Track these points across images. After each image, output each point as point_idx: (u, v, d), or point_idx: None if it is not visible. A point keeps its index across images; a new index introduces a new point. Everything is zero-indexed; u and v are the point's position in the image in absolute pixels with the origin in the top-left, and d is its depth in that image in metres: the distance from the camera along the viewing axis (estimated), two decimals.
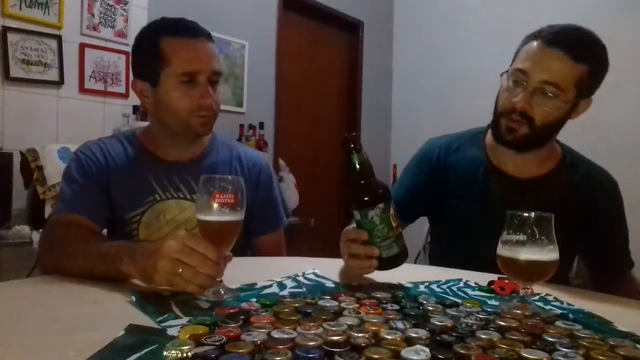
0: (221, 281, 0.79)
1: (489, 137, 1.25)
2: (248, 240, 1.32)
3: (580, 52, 1.04)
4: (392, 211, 0.88)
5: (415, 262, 1.64)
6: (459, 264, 1.12)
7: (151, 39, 1.10)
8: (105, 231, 1.17)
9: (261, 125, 3.41)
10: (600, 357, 0.55)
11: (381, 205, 0.86)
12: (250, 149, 1.37)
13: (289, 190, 3.23)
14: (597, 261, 1.25)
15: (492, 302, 0.83)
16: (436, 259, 1.34)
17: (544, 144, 1.16)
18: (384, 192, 0.88)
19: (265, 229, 1.31)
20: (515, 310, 0.74)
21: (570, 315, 0.76)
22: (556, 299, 0.87)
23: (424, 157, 1.31)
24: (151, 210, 1.15)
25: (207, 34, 1.13)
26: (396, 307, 0.73)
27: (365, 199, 0.87)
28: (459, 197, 1.24)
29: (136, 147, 1.19)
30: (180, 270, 0.73)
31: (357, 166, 0.87)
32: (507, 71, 1.14)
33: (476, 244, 1.17)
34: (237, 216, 0.81)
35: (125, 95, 2.71)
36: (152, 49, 1.09)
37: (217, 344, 0.54)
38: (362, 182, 0.88)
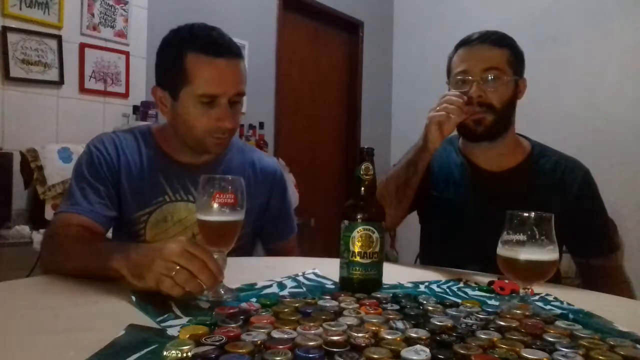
0: (221, 281, 0.79)
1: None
2: (262, 246, 1.33)
3: (499, 40, 1.22)
4: (358, 236, 0.83)
5: (415, 263, 1.64)
6: (445, 260, 1.17)
7: (177, 51, 1.06)
8: (110, 230, 1.17)
9: (261, 125, 3.41)
10: (600, 357, 0.55)
11: (346, 222, 0.85)
12: (265, 156, 1.35)
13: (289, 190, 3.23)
14: (577, 247, 1.27)
15: (492, 302, 0.83)
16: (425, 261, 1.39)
17: (508, 127, 1.24)
18: (360, 214, 0.84)
19: (278, 237, 1.32)
20: (515, 310, 0.74)
21: (570, 315, 0.76)
22: (556, 299, 0.87)
23: None
24: (159, 210, 1.15)
25: (235, 52, 1.08)
26: (396, 307, 0.73)
27: (343, 208, 0.87)
28: (439, 190, 1.31)
29: (151, 146, 1.18)
30: (174, 273, 0.71)
31: (355, 177, 0.87)
32: (448, 82, 1.27)
33: (456, 240, 1.22)
34: (237, 216, 0.81)
35: (125, 95, 2.71)
36: (177, 63, 1.05)
37: (217, 344, 0.54)
38: (354, 192, 0.87)
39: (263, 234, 1.30)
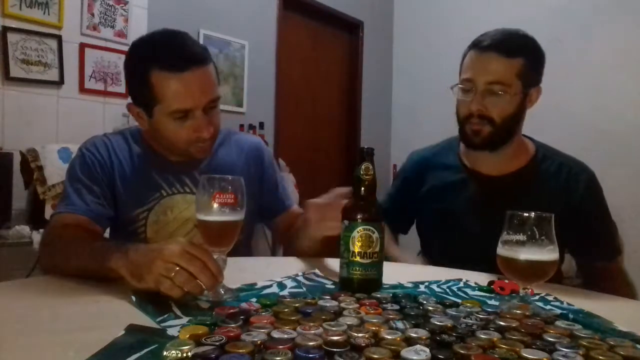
0: (221, 282, 0.79)
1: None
2: (270, 230, 1.35)
3: (510, 49, 1.14)
4: (358, 235, 0.83)
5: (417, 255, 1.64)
6: (447, 263, 1.16)
7: (141, 70, 1.03)
8: (108, 230, 1.17)
9: (261, 125, 3.41)
10: (600, 357, 0.55)
11: (346, 222, 0.85)
12: (244, 134, 1.36)
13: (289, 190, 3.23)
14: (580, 249, 1.27)
15: (492, 302, 0.83)
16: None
17: (512, 138, 1.22)
18: (360, 213, 0.84)
19: (280, 209, 1.30)
20: (515, 310, 0.74)
21: (570, 315, 0.76)
22: (556, 299, 0.87)
23: (407, 173, 1.40)
24: (158, 206, 1.15)
25: (199, 60, 1.03)
26: (396, 307, 0.73)
27: (344, 207, 0.87)
28: (439, 201, 1.29)
29: (141, 145, 1.18)
30: (174, 274, 0.72)
31: (354, 177, 0.87)
32: (456, 84, 1.22)
33: (457, 244, 1.22)
34: (237, 216, 0.81)
35: (125, 95, 2.71)
36: (143, 82, 1.03)
37: (217, 344, 0.54)
38: (354, 192, 0.87)
39: (265, 210, 1.29)
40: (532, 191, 1.20)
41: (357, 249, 0.83)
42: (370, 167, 0.86)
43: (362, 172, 0.86)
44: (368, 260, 0.83)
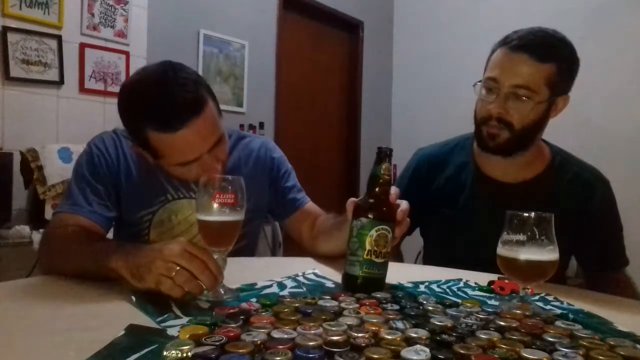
0: (221, 282, 0.79)
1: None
2: (281, 224, 1.33)
3: (544, 53, 1.07)
4: (375, 235, 0.82)
5: (415, 262, 1.64)
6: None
7: (138, 128, 0.99)
8: (111, 231, 1.17)
9: (261, 125, 3.41)
10: (600, 357, 0.55)
11: (363, 220, 0.84)
12: (252, 137, 1.32)
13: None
14: (589, 260, 1.26)
15: (492, 302, 0.83)
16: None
17: (529, 146, 1.17)
18: (378, 213, 0.84)
19: (294, 208, 1.28)
20: (515, 310, 0.74)
21: (570, 315, 0.76)
22: (556, 299, 0.87)
23: (414, 173, 1.34)
24: (163, 210, 1.14)
25: (194, 111, 0.96)
26: (396, 307, 0.73)
27: (358, 205, 0.87)
28: (447, 205, 1.25)
29: None
30: (174, 273, 0.72)
31: (371, 176, 0.87)
32: (480, 81, 1.16)
33: (464, 251, 1.19)
34: (237, 216, 0.81)
35: None
36: (142, 139, 1.00)
37: (217, 344, 0.54)
38: (368, 191, 0.87)
39: (277, 211, 1.29)
40: (547, 201, 1.16)
41: (373, 248, 0.83)
42: (390, 167, 0.87)
43: (382, 172, 0.86)
44: (381, 260, 0.84)
